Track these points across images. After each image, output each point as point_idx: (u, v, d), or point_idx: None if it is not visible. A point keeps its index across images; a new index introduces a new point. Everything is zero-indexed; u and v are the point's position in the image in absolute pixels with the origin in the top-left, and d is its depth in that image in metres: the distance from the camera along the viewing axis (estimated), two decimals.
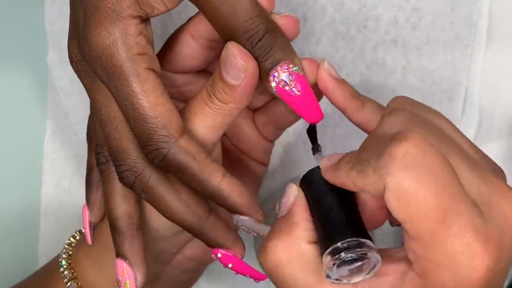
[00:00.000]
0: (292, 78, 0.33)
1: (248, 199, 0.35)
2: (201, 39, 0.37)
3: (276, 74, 0.33)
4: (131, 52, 0.33)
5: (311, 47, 0.46)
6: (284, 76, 0.33)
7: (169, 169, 0.34)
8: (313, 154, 0.36)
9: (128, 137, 0.35)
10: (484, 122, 0.47)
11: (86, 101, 0.48)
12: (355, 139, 0.48)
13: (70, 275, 0.42)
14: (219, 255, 0.36)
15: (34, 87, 0.49)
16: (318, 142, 0.36)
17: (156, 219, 0.38)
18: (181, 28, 0.38)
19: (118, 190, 0.37)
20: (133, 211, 0.37)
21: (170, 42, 0.38)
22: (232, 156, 0.42)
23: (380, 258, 0.31)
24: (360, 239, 0.31)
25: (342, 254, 0.31)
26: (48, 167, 0.50)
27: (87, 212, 0.41)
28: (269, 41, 0.33)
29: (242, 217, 0.35)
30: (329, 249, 0.31)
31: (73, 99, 0.49)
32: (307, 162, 0.48)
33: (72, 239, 0.44)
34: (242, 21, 0.33)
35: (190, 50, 0.38)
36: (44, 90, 0.49)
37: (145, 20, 0.34)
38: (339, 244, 0.31)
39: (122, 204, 0.37)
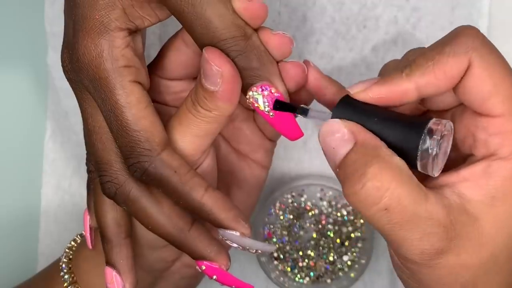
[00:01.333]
0: (265, 101, 0.33)
1: (232, 213, 0.35)
2: (194, 46, 0.37)
3: (251, 93, 0.33)
4: (116, 65, 0.33)
5: (311, 47, 0.46)
6: (259, 98, 0.33)
7: (150, 182, 0.34)
8: (306, 115, 0.34)
9: (112, 148, 0.35)
10: None
11: None
12: None
13: (71, 279, 0.42)
14: (203, 267, 0.36)
15: (34, 88, 0.49)
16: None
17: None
18: (175, 35, 0.38)
19: (107, 198, 0.36)
20: (121, 219, 0.37)
21: (165, 50, 0.38)
22: (233, 161, 0.42)
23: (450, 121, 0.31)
24: (427, 124, 0.30)
25: (432, 141, 0.30)
26: (48, 167, 0.50)
27: (87, 217, 0.41)
28: (247, 60, 0.33)
29: (228, 231, 0.35)
30: (420, 148, 0.30)
31: (73, 100, 0.48)
32: (307, 162, 0.48)
33: (72, 243, 0.44)
34: (219, 38, 0.32)
35: (184, 56, 0.37)
36: (44, 90, 0.49)
37: (134, 31, 0.34)
38: (424, 132, 0.30)
39: (111, 212, 0.37)
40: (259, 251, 0.36)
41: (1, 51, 0.49)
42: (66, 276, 0.42)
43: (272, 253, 0.48)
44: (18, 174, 0.50)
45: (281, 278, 0.48)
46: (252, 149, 0.43)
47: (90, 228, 0.41)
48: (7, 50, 0.49)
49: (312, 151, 0.48)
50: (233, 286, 0.37)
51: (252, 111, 0.44)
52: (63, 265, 0.42)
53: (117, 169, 0.35)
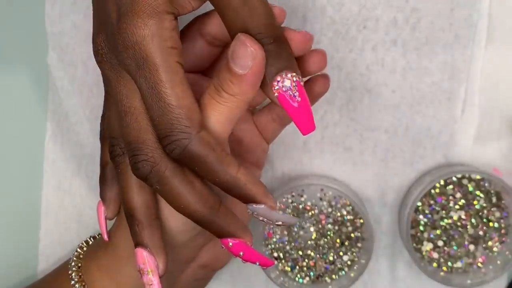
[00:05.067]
0: (295, 85, 0.34)
1: (262, 188, 0.36)
2: (208, 36, 0.39)
3: (280, 79, 0.34)
4: (165, 45, 0.34)
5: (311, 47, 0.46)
6: (287, 82, 0.34)
7: (187, 160, 0.35)
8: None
9: (148, 128, 0.35)
10: (484, 122, 0.47)
11: (87, 101, 0.49)
12: (355, 139, 0.48)
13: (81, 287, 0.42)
14: (230, 244, 0.37)
15: (34, 88, 0.49)
16: None
17: (173, 220, 0.39)
18: (190, 26, 0.39)
19: (135, 180, 0.37)
20: (151, 201, 0.38)
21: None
22: None
23: None
24: None
25: None
26: (49, 167, 0.50)
27: (102, 209, 0.41)
28: (278, 48, 0.34)
29: (257, 205, 0.36)
30: None
31: (74, 100, 0.49)
32: (307, 162, 0.49)
33: (79, 250, 0.44)
34: (257, 25, 0.34)
35: (198, 46, 0.39)
36: (44, 91, 0.49)
37: (175, 17, 0.35)
38: None
39: (140, 194, 0.37)
40: (284, 223, 0.37)
41: (1, 51, 0.48)
42: (77, 286, 0.42)
43: (272, 252, 0.48)
44: (18, 175, 0.50)
45: (281, 278, 0.48)
46: (250, 149, 0.43)
47: (105, 220, 0.41)
48: (7, 50, 0.49)
49: (312, 151, 0.48)
50: (257, 262, 0.37)
51: (251, 113, 0.44)
52: (73, 274, 0.43)
53: (152, 148, 0.35)
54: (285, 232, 0.48)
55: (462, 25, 0.45)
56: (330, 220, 0.48)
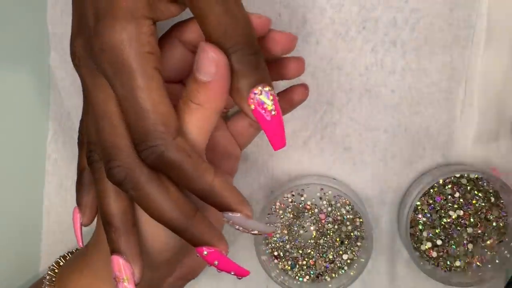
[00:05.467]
0: (272, 99, 0.34)
1: (239, 196, 0.35)
2: (188, 43, 0.38)
3: (257, 92, 0.33)
4: (142, 50, 0.33)
5: (311, 47, 0.46)
6: (265, 96, 0.34)
7: (162, 167, 0.34)
8: None
9: (123, 133, 0.35)
10: (483, 123, 0.47)
11: None
12: (355, 139, 0.48)
13: None
14: (204, 253, 0.36)
15: (36, 88, 0.49)
16: None
17: (154, 241, 0.38)
18: (168, 33, 0.38)
19: (112, 187, 0.36)
20: (128, 207, 0.37)
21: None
22: None
23: None
24: None
25: None
26: (51, 167, 0.50)
27: (78, 215, 0.41)
28: (257, 61, 0.34)
29: (232, 214, 0.35)
30: None
31: (75, 100, 0.49)
32: (307, 162, 0.49)
33: (55, 265, 0.44)
34: (239, 34, 0.33)
35: (178, 53, 0.38)
36: (46, 91, 0.49)
37: (154, 23, 0.35)
38: None
39: (117, 200, 0.37)
40: (260, 233, 0.36)
41: (3, 51, 0.49)
42: None
43: (272, 251, 0.48)
44: (21, 174, 0.50)
45: (281, 277, 0.48)
46: (223, 157, 0.44)
47: (81, 226, 0.41)
48: (9, 50, 0.49)
49: (312, 151, 0.49)
50: (232, 272, 0.37)
51: (225, 122, 0.44)
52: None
53: (128, 154, 0.35)
54: (285, 231, 0.48)
55: (461, 25, 0.45)
56: (330, 219, 0.48)
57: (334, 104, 0.47)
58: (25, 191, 0.51)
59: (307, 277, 0.49)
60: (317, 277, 0.49)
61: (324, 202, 0.48)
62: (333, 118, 0.48)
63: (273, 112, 0.34)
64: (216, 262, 0.36)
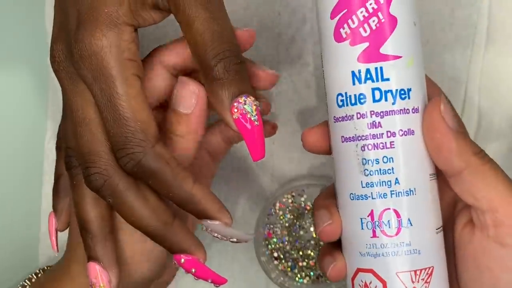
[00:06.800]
0: (255, 109, 0.34)
1: (218, 204, 0.36)
2: (170, 67, 0.38)
3: (242, 101, 0.34)
4: (122, 57, 0.33)
5: (311, 47, 0.46)
6: (249, 106, 0.34)
7: (141, 174, 0.34)
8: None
9: (102, 140, 0.35)
10: (484, 122, 0.47)
11: None
12: None
13: None
14: (182, 260, 0.36)
15: (35, 88, 0.49)
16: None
17: (139, 267, 0.39)
18: (150, 57, 0.38)
19: (90, 193, 0.36)
20: (106, 214, 0.37)
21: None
22: None
23: None
24: None
25: None
26: (49, 167, 0.50)
27: (53, 220, 0.41)
28: (243, 71, 0.34)
29: (211, 221, 0.35)
30: None
31: None
32: (307, 162, 0.49)
33: (27, 282, 0.44)
34: (224, 42, 0.33)
35: (160, 78, 0.38)
36: (44, 91, 0.49)
37: (135, 29, 0.35)
38: None
39: (94, 207, 0.37)
40: (238, 241, 0.36)
41: (1, 51, 0.49)
42: None
43: (272, 252, 0.48)
44: (19, 175, 0.50)
45: (281, 278, 0.48)
46: (199, 171, 0.44)
47: (56, 232, 0.41)
48: (7, 50, 0.49)
49: None
50: (210, 280, 0.37)
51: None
52: None
53: (106, 161, 0.35)
54: (285, 232, 0.48)
55: (463, 25, 0.45)
56: None
57: None
58: (23, 192, 0.51)
59: (307, 278, 0.48)
60: (317, 278, 0.48)
61: None
62: None
63: (256, 123, 0.34)
64: (193, 270, 0.36)
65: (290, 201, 0.48)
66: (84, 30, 0.33)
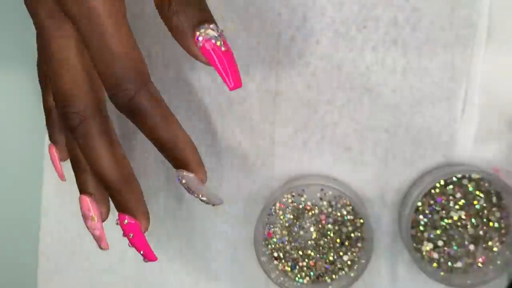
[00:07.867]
0: (219, 35, 0.34)
1: (198, 158, 0.36)
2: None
3: (203, 30, 0.34)
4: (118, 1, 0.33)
5: (311, 47, 0.46)
6: (211, 32, 0.34)
7: (131, 112, 0.34)
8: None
9: (82, 81, 0.35)
10: (484, 122, 0.47)
11: None
12: (355, 139, 0.48)
13: None
14: (125, 221, 0.37)
15: (34, 87, 0.49)
16: None
17: None
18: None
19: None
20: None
21: None
22: None
23: None
24: None
25: None
26: (49, 166, 0.50)
27: (54, 150, 0.43)
28: (200, 2, 0.34)
29: (187, 173, 0.35)
30: None
31: None
32: (307, 162, 0.49)
33: None
34: None
35: None
36: None
37: None
38: None
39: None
40: (208, 202, 0.36)
41: (2, 51, 0.49)
42: None
43: (272, 252, 0.48)
44: (19, 174, 0.50)
45: (281, 278, 0.48)
46: None
47: (60, 161, 0.43)
48: (7, 50, 0.49)
49: (312, 151, 0.48)
50: (141, 251, 0.37)
51: None
52: None
53: (86, 103, 0.35)
54: (285, 232, 0.48)
55: (463, 24, 0.45)
56: (330, 220, 0.48)
57: (335, 104, 0.47)
58: (23, 191, 0.50)
59: (307, 278, 0.48)
60: (317, 278, 0.48)
61: (325, 203, 0.48)
62: (334, 118, 0.48)
63: (222, 48, 0.34)
64: (131, 235, 0.37)
65: (290, 201, 0.48)
66: None
